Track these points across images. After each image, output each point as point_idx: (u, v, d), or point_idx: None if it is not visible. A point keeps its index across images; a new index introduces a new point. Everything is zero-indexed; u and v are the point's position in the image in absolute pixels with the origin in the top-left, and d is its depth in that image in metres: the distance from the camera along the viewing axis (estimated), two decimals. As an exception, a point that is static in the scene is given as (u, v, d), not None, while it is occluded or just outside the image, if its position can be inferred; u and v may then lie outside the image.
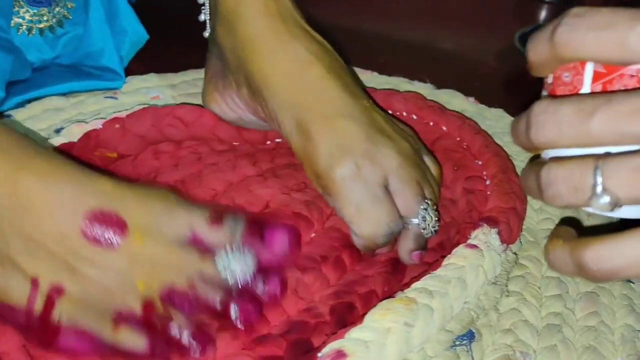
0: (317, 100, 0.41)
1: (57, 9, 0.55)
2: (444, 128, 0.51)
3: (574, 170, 0.26)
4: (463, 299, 0.36)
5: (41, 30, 0.55)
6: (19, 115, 0.52)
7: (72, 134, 0.46)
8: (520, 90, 0.66)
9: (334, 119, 0.40)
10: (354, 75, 0.45)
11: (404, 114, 0.53)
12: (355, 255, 0.41)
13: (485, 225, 0.41)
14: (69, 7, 0.54)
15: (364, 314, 0.35)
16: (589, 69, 0.27)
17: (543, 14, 0.85)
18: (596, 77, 0.27)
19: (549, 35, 0.27)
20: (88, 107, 0.54)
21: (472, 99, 0.60)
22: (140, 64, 0.60)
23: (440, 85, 0.59)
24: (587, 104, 0.25)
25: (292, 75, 0.42)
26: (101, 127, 0.46)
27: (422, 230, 0.40)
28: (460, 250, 0.39)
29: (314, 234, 0.42)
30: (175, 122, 0.49)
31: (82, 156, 0.45)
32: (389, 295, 0.37)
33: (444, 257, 0.40)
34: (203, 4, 0.51)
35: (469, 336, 0.36)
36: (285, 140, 0.43)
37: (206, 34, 0.54)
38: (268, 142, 0.50)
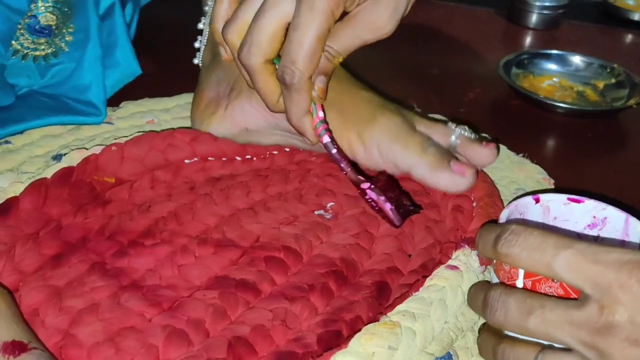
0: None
1: (55, 40, 0.56)
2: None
3: (520, 353, 0.33)
4: (444, 320, 0.37)
5: (35, 58, 0.57)
6: (16, 141, 0.53)
7: (73, 160, 0.47)
8: (504, 116, 0.68)
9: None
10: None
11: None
12: (340, 280, 0.43)
13: (466, 246, 0.43)
14: (67, 39, 0.56)
15: (345, 339, 0.36)
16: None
17: (528, 41, 0.87)
18: (527, 275, 0.34)
19: (492, 242, 0.34)
20: (84, 133, 0.55)
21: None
22: (134, 89, 0.62)
23: (427, 110, 0.61)
24: (526, 304, 0.33)
25: None
26: (100, 152, 0.48)
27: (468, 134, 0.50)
28: (441, 271, 0.40)
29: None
30: (176, 142, 0.50)
31: (80, 180, 0.47)
32: (374, 319, 0.39)
33: (424, 277, 0.41)
34: (201, 32, 0.54)
35: (447, 358, 0.37)
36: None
37: (195, 60, 0.56)
38: (267, 154, 0.53)
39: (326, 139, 0.44)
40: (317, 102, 0.43)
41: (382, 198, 0.45)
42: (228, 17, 0.44)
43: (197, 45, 0.55)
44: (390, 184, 0.47)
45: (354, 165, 0.47)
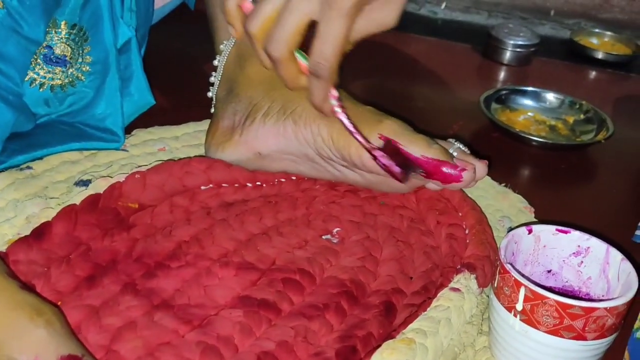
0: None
1: (71, 70, 0.59)
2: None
3: None
4: (450, 336, 0.42)
5: (52, 87, 0.60)
6: (37, 167, 0.56)
7: (99, 187, 0.51)
8: (485, 148, 0.74)
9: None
10: None
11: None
12: (351, 300, 0.47)
13: (465, 270, 0.48)
14: (84, 70, 0.59)
15: (366, 354, 0.41)
16: (522, 292, 0.40)
17: (502, 76, 0.94)
18: (526, 299, 0.39)
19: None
20: (101, 159, 0.59)
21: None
22: (142, 116, 0.65)
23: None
24: None
25: None
26: (124, 180, 0.51)
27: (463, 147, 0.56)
28: (446, 293, 0.45)
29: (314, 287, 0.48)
30: (192, 169, 0.54)
31: (107, 206, 0.50)
32: (384, 336, 0.44)
33: (429, 298, 0.46)
34: (216, 68, 0.58)
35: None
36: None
37: (210, 94, 0.60)
38: (276, 181, 0.58)
39: (343, 115, 0.51)
40: (333, 86, 0.51)
41: (392, 162, 0.52)
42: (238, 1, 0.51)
43: (212, 80, 0.59)
44: (395, 149, 0.53)
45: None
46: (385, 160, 0.51)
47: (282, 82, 0.51)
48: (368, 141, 0.52)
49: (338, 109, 0.51)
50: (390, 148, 0.52)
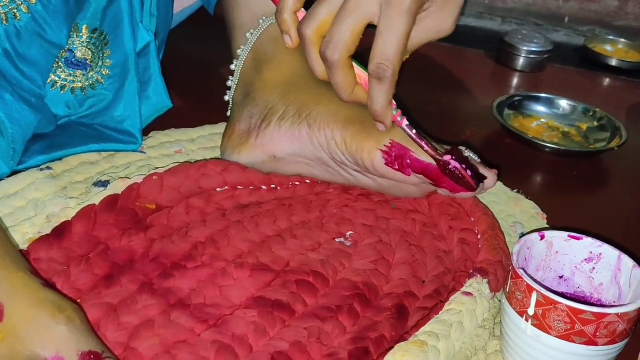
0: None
1: (91, 73, 0.60)
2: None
3: None
4: (462, 340, 0.43)
5: (73, 90, 0.61)
6: (57, 167, 0.57)
7: (117, 188, 0.52)
8: (497, 154, 0.74)
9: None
10: None
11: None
12: (364, 303, 0.48)
13: (478, 275, 0.48)
14: (104, 73, 0.60)
15: (379, 355, 0.41)
16: (534, 297, 0.40)
17: (515, 82, 0.94)
18: (538, 304, 0.40)
19: None
20: (119, 161, 0.60)
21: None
22: (162, 120, 0.67)
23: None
24: None
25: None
26: (142, 181, 0.52)
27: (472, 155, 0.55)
28: (458, 297, 0.46)
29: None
30: (208, 172, 0.55)
31: (125, 207, 0.51)
32: (397, 338, 0.44)
33: (442, 302, 0.47)
34: (233, 72, 0.59)
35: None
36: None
37: (226, 97, 0.61)
38: (290, 184, 0.58)
39: (405, 122, 0.50)
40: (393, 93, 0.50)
41: (464, 166, 0.51)
42: (294, 9, 0.49)
43: (229, 83, 0.60)
44: (462, 155, 0.53)
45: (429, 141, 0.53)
46: (456, 164, 0.51)
47: (335, 92, 0.49)
48: (435, 149, 0.51)
49: (400, 118, 0.49)
50: (459, 155, 0.52)
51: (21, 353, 0.35)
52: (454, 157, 0.51)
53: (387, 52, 0.46)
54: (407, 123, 0.50)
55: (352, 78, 0.48)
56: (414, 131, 0.50)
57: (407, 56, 0.49)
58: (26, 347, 0.36)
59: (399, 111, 0.50)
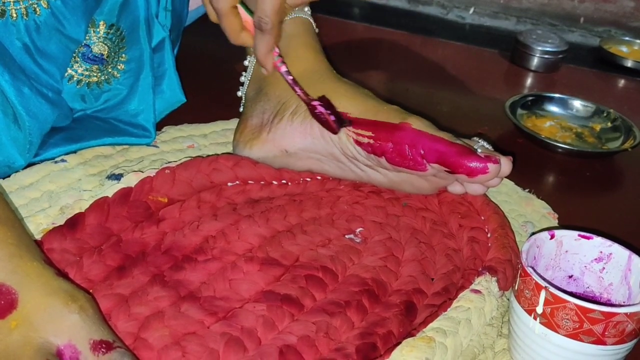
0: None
1: (108, 68, 0.61)
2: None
3: None
4: (470, 337, 0.43)
5: (89, 84, 0.61)
6: (71, 160, 0.58)
7: (130, 181, 0.52)
8: (509, 154, 0.74)
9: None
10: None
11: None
12: (372, 298, 0.48)
13: (487, 273, 0.48)
14: (120, 68, 0.61)
15: (386, 351, 0.41)
16: (542, 295, 0.40)
17: (529, 82, 0.94)
18: (547, 302, 0.40)
19: None
20: (132, 155, 0.60)
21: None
22: (172, 113, 0.67)
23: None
24: None
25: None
26: (154, 174, 0.53)
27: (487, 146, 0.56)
28: (467, 294, 0.46)
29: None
30: (220, 166, 0.56)
31: (137, 200, 0.52)
32: (404, 334, 0.44)
33: (450, 299, 0.47)
34: (246, 68, 0.60)
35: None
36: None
37: (239, 93, 0.62)
38: (301, 180, 0.59)
39: (284, 68, 0.57)
40: (276, 43, 0.57)
41: (329, 112, 0.55)
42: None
43: (242, 79, 0.61)
44: (330, 104, 0.56)
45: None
46: (322, 109, 0.55)
47: (225, 35, 0.56)
48: (306, 94, 0.56)
49: (280, 64, 0.56)
50: (327, 102, 0.56)
51: (34, 340, 0.36)
52: (322, 104, 0.55)
53: (266, 8, 0.54)
54: (286, 69, 0.56)
55: (236, 25, 0.57)
56: (291, 77, 0.56)
57: (290, 10, 0.58)
58: (39, 334, 0.36)
59: (280, 58, 0.57)
